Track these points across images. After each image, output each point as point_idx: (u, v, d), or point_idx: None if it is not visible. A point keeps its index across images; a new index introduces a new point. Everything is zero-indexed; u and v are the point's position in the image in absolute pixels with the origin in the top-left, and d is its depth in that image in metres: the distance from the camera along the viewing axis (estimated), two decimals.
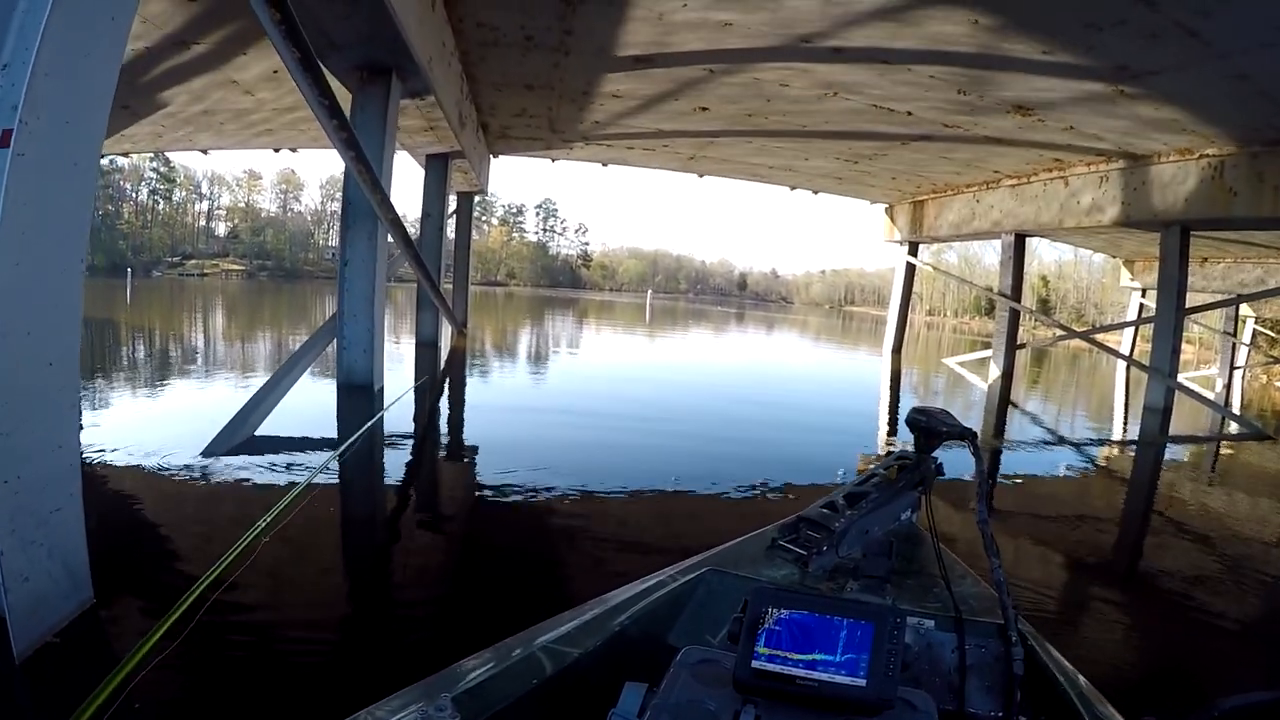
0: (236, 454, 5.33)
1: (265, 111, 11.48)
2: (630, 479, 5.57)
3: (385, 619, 3.18)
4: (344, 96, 7.30)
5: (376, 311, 7.18)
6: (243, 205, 78.80)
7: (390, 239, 7.71)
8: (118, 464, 4.99)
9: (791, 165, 15.26)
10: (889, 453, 2.43)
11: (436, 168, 13.29)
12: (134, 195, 75.23)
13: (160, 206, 76.46)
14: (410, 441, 6.66)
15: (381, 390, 7.43)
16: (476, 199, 18.72)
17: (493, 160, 16.77)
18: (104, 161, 67.29)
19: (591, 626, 1.56)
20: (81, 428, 5.28)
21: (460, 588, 3.60)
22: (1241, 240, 16.21)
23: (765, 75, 9.09)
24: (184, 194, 77.84)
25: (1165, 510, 6.52)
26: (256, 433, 5.82)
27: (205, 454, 5.22)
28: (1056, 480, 7.29)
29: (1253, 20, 6.25)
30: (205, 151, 17.38)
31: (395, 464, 5.98)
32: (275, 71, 8.85)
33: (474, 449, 6.63)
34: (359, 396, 7.16)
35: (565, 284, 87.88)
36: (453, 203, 17.09)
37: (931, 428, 1.94)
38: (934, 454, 2.08)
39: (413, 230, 13.15)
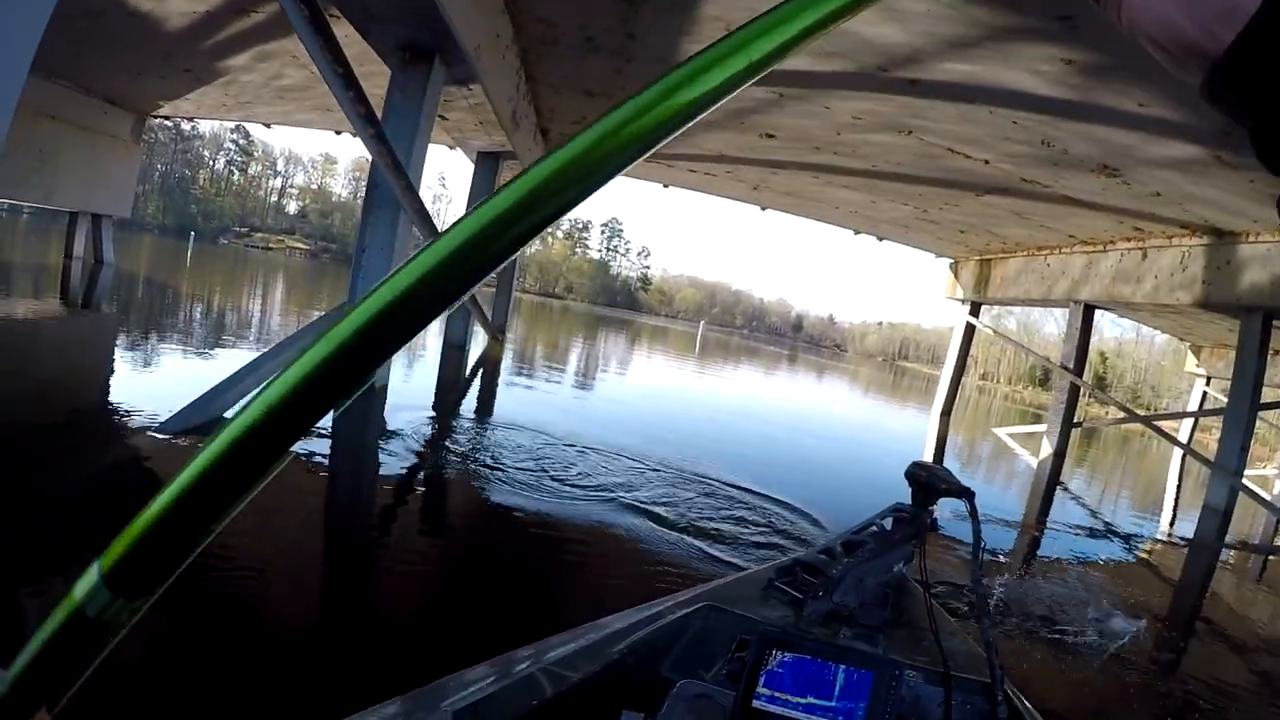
0: (192, 434, 4.93)
1: (324, 88, 11.32)
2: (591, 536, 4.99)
3: None
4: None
5: None
6: (315, 187, 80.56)
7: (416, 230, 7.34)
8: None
9: (857, 208, 14.64)
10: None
11: (487, 167, 12.93)
12: (211, 163, 77.43)
13: (235, 177, 78.59)
14: (382, 453, 5.95)
15: (384, 389, 7.05)
16: None
17: None
18: (185, 126, 69.67)
19: (590, 652, 1.55)
20: None
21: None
22: None
23: (836, 105, 8.58)
24: (259, 168, 79.91)
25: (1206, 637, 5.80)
26: (227, 414, 5.42)
27: (159, 429, 4.84)
28: (1098, 578, 6.58)
29: None
30: (268, 125, 17.47)
31: (350, 475, 5.47)
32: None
33: (439, 468, 5.93)
34: (361, 393, 6.76)
35: (622, 304, 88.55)
36: None
37: (930, 483, 1.96)
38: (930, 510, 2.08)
39: None
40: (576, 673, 1.46)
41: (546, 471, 5.81)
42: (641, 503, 5.46)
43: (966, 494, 1.82)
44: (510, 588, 3.71)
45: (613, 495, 5.53)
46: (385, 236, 6.69)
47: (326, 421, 6.13)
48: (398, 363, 9.20)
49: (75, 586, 0.30)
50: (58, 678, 0.30)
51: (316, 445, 5.31)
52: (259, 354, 5.99)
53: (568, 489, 5.48)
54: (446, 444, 6.46)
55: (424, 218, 6.40)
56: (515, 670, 1.43)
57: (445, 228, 0.33)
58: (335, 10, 6.34)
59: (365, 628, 3.09)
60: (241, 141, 77.10)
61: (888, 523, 2.20)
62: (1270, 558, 10.26)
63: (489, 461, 5.91)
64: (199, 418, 5.14)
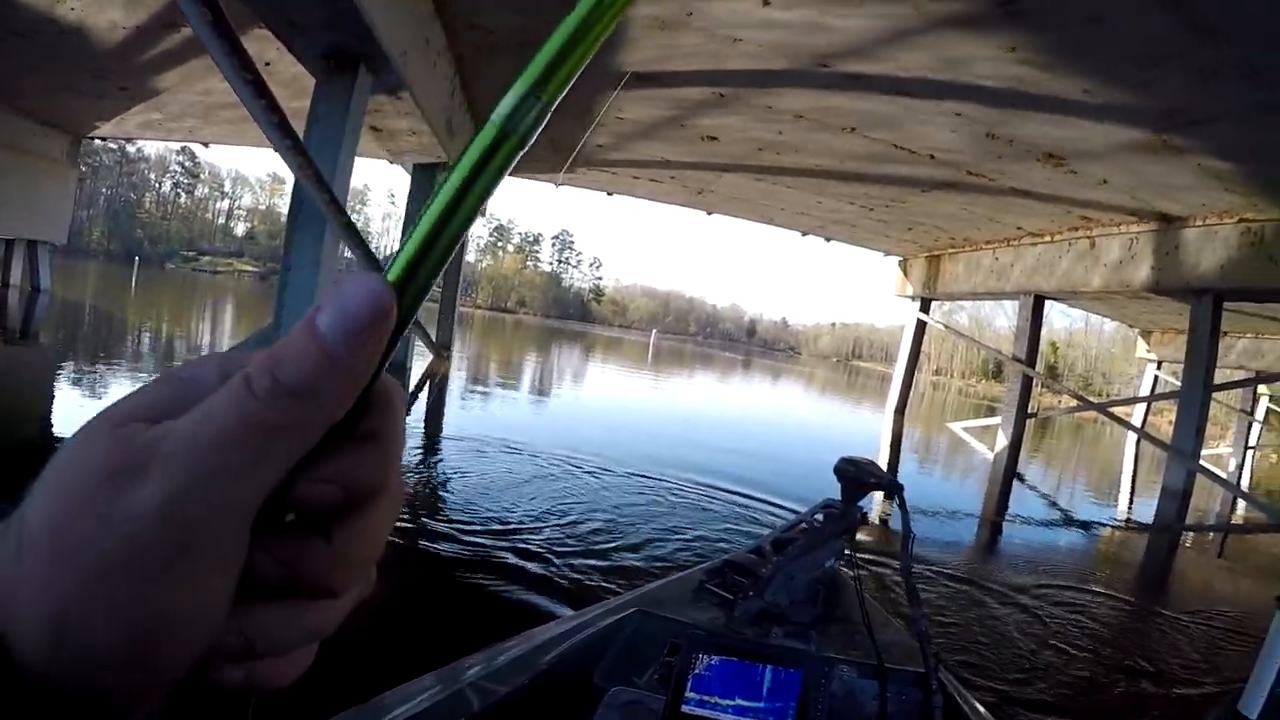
0: None
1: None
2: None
3: None
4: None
5: None
6: (263, 208, 79.26)
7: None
8: None
9: (804, 208, 14.53)
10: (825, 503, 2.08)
11: (423, 179, 12.50)
12: (157, 186, 75.89)
13: (182, 200, 77.09)
14: None
15: None
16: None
17: None
18: (130, 149, 68.24)
19: (519, 664, 1.53)
20: None
21: None
22: (1264, 315, 15.38)
23: (778, 103, 8.42)
24: (206, 190, 78.45)
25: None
26: None
27: None
28: (1060, 570, 6.47)
29: None
30: (206, 145, 16.97)
31: None
32: (268, 64, 8.28)
33: None
34: None
35: (575, 316, 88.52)
36: None
37: (859, 478, 1.96)
38: (859, 503, 2.08)
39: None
40: (506, 686, 1.45)
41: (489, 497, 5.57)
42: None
43: (895, 488, 1.84)
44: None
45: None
46: (311, 254, 6.35)
47: None
48: None
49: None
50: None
51: None
52: None
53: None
54: None
55: (352, 233, 6.09)
56: (444, 687, 1.40)
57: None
58: (259, 21, 6.09)
59: None
60: (187, 163, 75.73)
61: (818, 519, 2.22)
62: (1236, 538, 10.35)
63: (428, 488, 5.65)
64: None
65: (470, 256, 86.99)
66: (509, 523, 5.03)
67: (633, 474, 7.10)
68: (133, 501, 0.26)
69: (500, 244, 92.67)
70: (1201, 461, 10.71)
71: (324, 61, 6.53)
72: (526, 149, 0.30)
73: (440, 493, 5.65)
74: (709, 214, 16.77)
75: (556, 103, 0.31)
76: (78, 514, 0.26)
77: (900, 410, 17.77)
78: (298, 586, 0.30)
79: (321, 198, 5.74)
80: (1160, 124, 7.17)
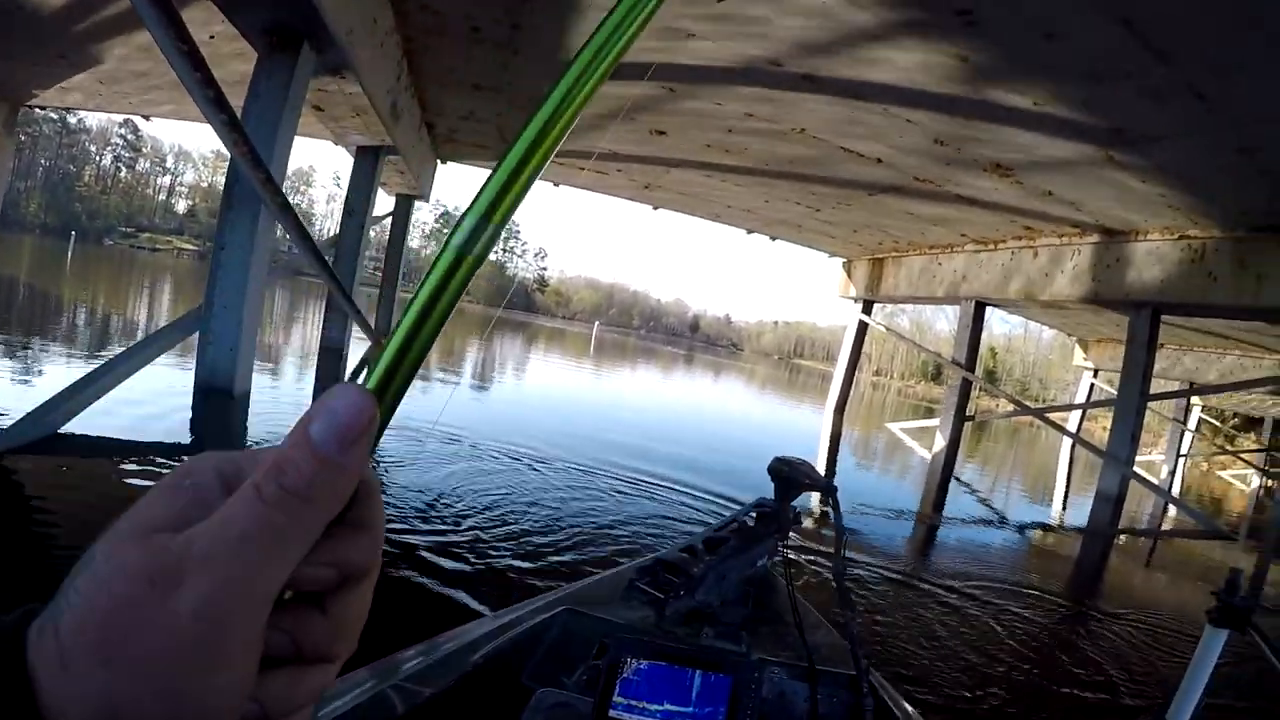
0: (28, 451, 4.40)
1: None
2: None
3: None
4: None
5: (249, 306, 6.23)
6: (205, 185, 77.14)
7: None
8: None
9: (750, 207, 14.49)
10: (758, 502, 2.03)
11: (366, 162, 12.16)
12: (98, 159, 73.48)
13: (123, 174, 74.69)
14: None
15: (246, 396, 6.47)
16: (420, 204, 17.51)
17: (440, 166, 15.65)
18: (71, 120, 65.96)
19: (445, 664, 1.49)
20: None
21: None
22: (1198, 329, 15.85)
23: (728, 101, 8.35)
24: (148, 165, 76.13)
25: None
26: (63, 429, 4.82)
27: None
28: (994, 571, 6.54)
29: (1273, 88, 5.60)
30: (147, 118, 16.35)
31: None
32: (211, 37, 7.98)
33: None
34: (216, 401, 6.16)
35: (519, 306, 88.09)
36: (391, 204, 16.14)
37: (792, 478, 1.94)
38: (793, 504, 2.06)
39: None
40: (430, 687, 1.39)
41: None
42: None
43: (828, 488, 1.82)
44: None
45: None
46: (245, 235, 6.14)
47: (184, 438, 5.59)
48: (261, 371, 8.51)
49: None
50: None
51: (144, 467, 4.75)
52: (99, 365, 5.35)
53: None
54: None
55: (288, 213, 5.86)
56: (365, 689, 1.33)
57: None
58: None
59: None
60: (130, 136, 73.42)
61: (751, 519, 2.19)
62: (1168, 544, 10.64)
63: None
64: (36, 432, 4.57)
65: (414, 243, 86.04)
66: (444, 516, 4.90)
67: (572, 467, 7.00)
68: (174, 602, 0.30)
69: (445, 231, 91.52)
70: (1135, 468, 10.98)
71: (266, 37, 6.32)
72: (482, 264, 0.36)
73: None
74: (655, 209, 16.64)
75: (508, 222, 0.36)
76: (123, 617, 0.29)
77: (840, 409, 17.93)
78: (300, 654, 0.34)
79: (257, 176, 5.53)
80: (1107, 140, 7.25)
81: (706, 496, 6.87)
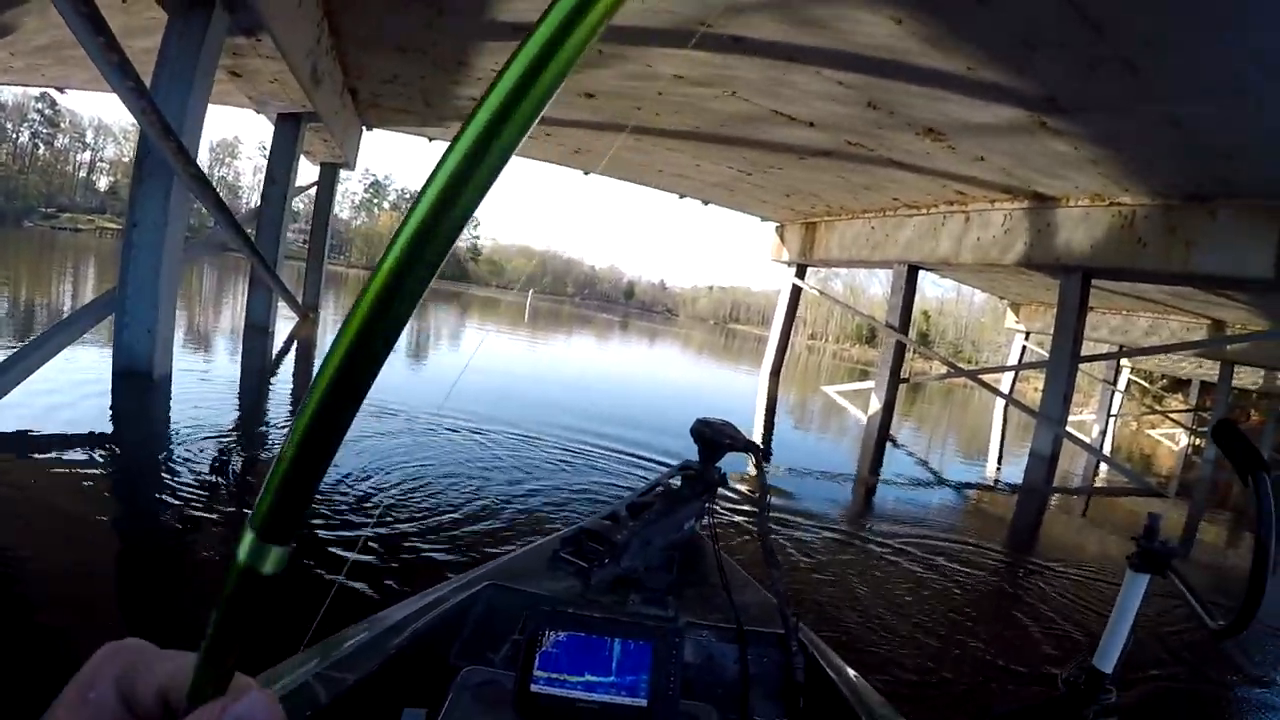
0: None
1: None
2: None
3: None
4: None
5: (165, 284, 5.97)
6: (127, 160, 74.06)
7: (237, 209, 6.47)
8: None
9: (682, 170, 14.44)
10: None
11: (287, 130, 11.55)
12: (14, 136, 70.08)
13: (40, 151, 71.37)
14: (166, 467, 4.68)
15: (167, 378, 6.20)
16: (344, 173, 16.95)
17: (365, 133, 15.26)
18: None
19: (368, 649, 1.43)
20: None
21: None
22: (1128, 293, 16.30)
23: (658, 62, 8.21)
24: (67, 140, 72.85)
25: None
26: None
27: None
28: (934, 527, 6.63)
29: (1203, 63, 5.69)
30: (62, 90, 15.67)
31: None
32: (124, 1, 7.56)
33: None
34: (135, 384, 5.89)
35: (452, 276, 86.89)
36: (316, 174, 15.57)
37: (715, 439, 1.97)
38: (717, 465, 2.07)
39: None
40: (354, 673, 1.34)
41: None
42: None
43: (752, 448, 1.84)
44: None
45: None
46: (158, 210, 5.84)
47: (104, 426, 5.28)
48: (181, 349, 8.10)
49: (238, 549, 0.35)
50: (240, 628, 0.36)
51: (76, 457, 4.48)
52: (6, 356, 5.03)
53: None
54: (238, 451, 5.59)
55: (203, 184, 5.62)
56: (283, 683, 1.27)
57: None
58: None
59: None
60: (47, 111, 69.95)
61: (676, 482, 2.18)
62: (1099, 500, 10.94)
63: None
64: None
65: (344, 214, 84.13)
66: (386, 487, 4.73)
67: (512, 435, 6.85)
68: None
69: (376, 201, 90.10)
70: (1067, 427, 11.26)
71: None
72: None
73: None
74: (586, 174, 16.62)
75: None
76: None
77: (775, 373, 18.11)
78: None
79: (168, 146, 5.28)
80: (1040, 107, 7.32)
81: (645, 460, 6.80)
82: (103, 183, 73.34)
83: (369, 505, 4.36)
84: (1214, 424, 1.40)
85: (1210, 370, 24.75)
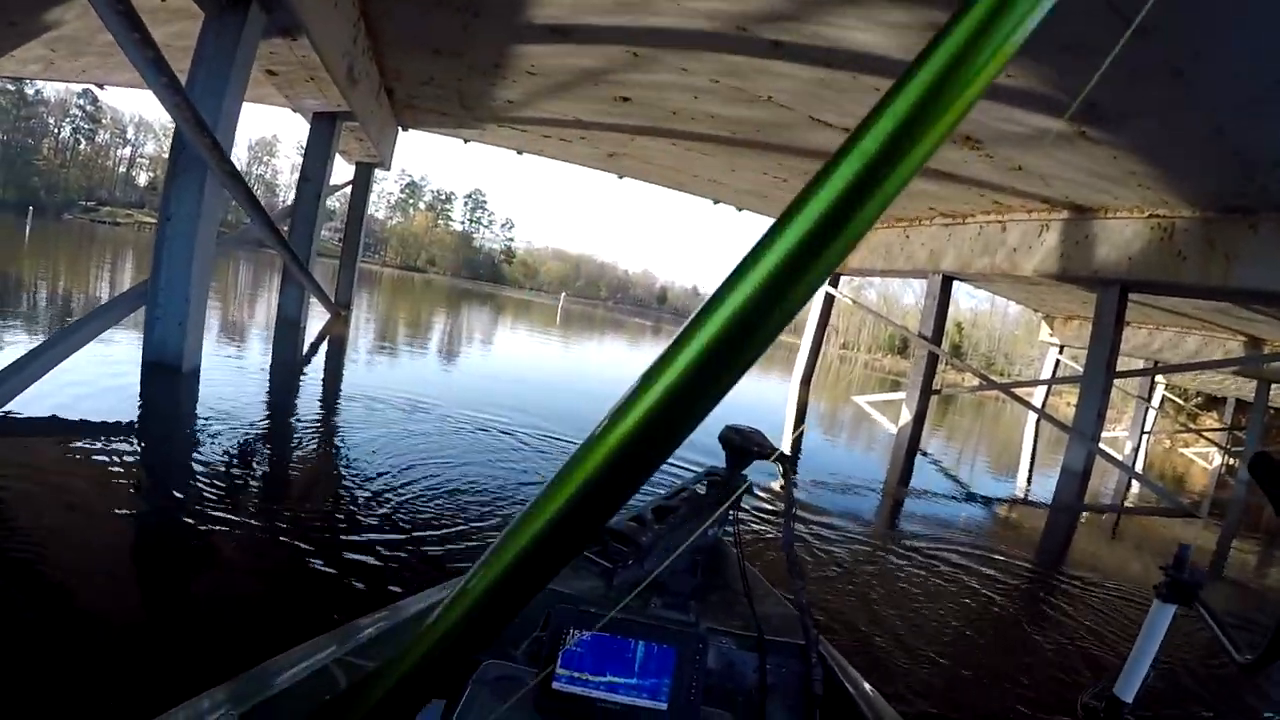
0: None
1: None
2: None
3: None
4: None
5: (197, 278, 5.99)
6: (167, 156, 75.33)
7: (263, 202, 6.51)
8: None
9: (716, 176, 14.34)
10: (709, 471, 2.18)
11: (322, 128, 11.65)
12: (56, 131, 71.54)
13: (82, 146, 72.78)
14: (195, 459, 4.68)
15: (196, 372, 6.24)
16: (380, 174, 17.02)
17: (401, 133, 15.29)
18: (28, 91, 64.18)
19: (386, 638, 1.44)
20: None
21: None
22: (1164, 308, 15.99)
23: (694, 66, 8.15)
24: (108, 136, 74.20)
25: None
26: (2, 410, 4.54)
27: None
28: (960, 543, 6.52)
29: (1250, 70, 5.54)
30: (101, 86, 15.93)
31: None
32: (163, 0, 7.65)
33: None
34: (164, 378, 5.93)
35: (485, 277, 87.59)
36: (351, 173, 15.67)
37: (743, 447, 1.95)
38: (744, 472, 2.06)
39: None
40: (373, 660, 1.19)
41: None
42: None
43: (780, 457, 1.85)
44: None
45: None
46: (191, 204, 5.87)
47: (132, 414, 5.31)
48: (215, 342, 8.15)
49: None
50: None
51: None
52: (46, 338, 5.09)
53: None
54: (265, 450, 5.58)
55: (236, 180, 5.66)
56: (309, 663, 1.30)
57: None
58: None
59: None
60: (89, 107, 71.30)
61: (701, 487, 2.17)
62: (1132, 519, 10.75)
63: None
64: None
65: (380, 214, 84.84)
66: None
67: (547, 436, 6.81)
68: None
69: (411, 201, 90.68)
70: (1100, 444, 11.05)
71: None
72: None
73: (348, 474, 5.14)
74: (620, 177, 16.45)
75: None
76: None
77: (806, 382, 17.94)
78: None
79: (202, 142, 5.31)
80: (1081, 115, 7.18)
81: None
82: (142, 178, 74.60)
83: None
84: (1251, 457, 1.36)
85: (1247, 388, 24.26)
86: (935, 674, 3.47)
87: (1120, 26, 5.29)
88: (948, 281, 13.96)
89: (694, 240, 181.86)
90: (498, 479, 5.25)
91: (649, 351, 26.24)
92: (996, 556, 5.91)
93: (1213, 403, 34.54)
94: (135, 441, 4.51)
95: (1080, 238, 10.87)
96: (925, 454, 12.39)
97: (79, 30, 10.27)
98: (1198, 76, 5.83)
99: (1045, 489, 11.48)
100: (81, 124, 72.32)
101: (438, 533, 4.00)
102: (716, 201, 17.25)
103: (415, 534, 3.90)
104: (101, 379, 5.78)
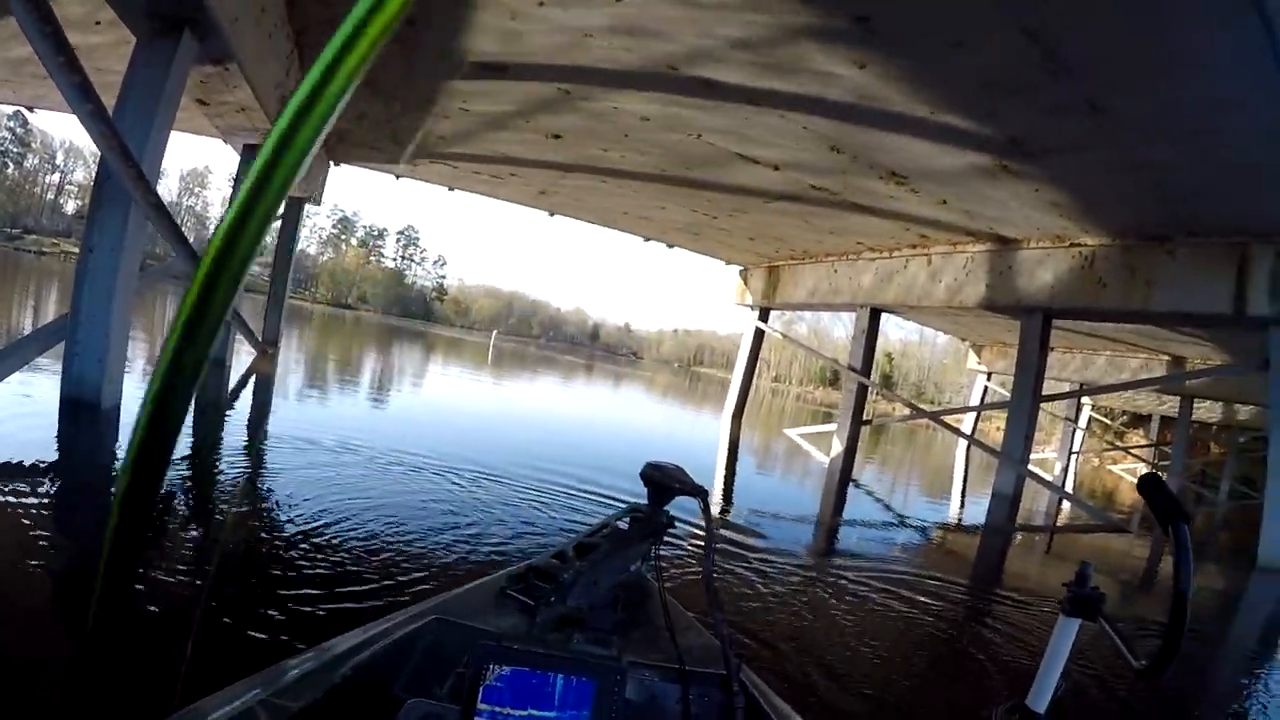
0: None
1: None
2: None
3: None
4: None
5: (119, 312, 5.84)
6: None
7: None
8: None
9: (647, 214, 14.51)
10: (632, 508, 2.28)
11: (252, 160, 11.27)
12: None
13: (9, 170, 70.29)
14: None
15: (116, 410, 6.04)
16: (311, 208, 16.76)
17: (333, 168, 15.17)
18: None
19: (312, 679, 1.43)
20: None
21: None
22: (1087, 332, 16.59)
23: (625, 104, 8.30)
24: (37, 161, 71.88)
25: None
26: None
27: None
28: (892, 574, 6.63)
29: (1169, 105, 5.84)
30: (31, 109, 15.53)
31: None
32: (98, 23, 7.52)
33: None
34: (83, 416, 5.74)
35: (417, 315, 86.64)
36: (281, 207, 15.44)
37: (664, 483, 1.93)
38: (666, 508, 2.06)
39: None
40: (299, 702, 1.35)
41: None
42: None
43: (699, 492, 1.81)
44: None
45: None
46: (115, 235, 5.73)
47: (45, 454, 5.11)
48: (134, 378, 7.91)
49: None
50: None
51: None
52: None
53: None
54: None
55: (160, 212, 5.56)
56: (226, 707, 1.27)
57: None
58: None
59: None
60: (19, 130, 69.07)
61: (624, 524, 2.21)
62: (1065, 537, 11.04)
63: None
64: None
65: (311, 249, 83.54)
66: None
67: (480, 476, 6.75)
68: None
69: (343, 237, 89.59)
70: (1029, 466, 11.38)
71: (149, 23, 5.94)
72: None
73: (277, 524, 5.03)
74: (551, 215, 16.54)
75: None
76: None
77: (738, 415, 18.10)
78: None
79: (127, 172, 5.21)
80: (1003, 150, 7.46)
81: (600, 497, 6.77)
82: (70, 206, 72.27)
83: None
84: (1140, 477, 1.47)
85: (1170, 405, 25.21)
86: (859, 700, 3.53)
87: (1039, 59, 5.56)
88: (876, 314, 14.31)
89: (626, 278, 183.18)
90: (427, 520, 5.19)
91: (579, 390, 26.21)
92: (929, 581, 6.02)
93: (1139, 420, 35.77)
94: (48, 482, 4.34)
95: (1004, 268, 11.25)
96: (858, 484, 12.56)
97: (12, 48, 10.02)
98: (1117, 111, 6.11)
99: (978, 513, 11.72)
100: (10, 147, 70.00)
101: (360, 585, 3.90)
102: (647, 239, 17.45)
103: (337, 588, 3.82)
104: (14, 416, 5.58)
